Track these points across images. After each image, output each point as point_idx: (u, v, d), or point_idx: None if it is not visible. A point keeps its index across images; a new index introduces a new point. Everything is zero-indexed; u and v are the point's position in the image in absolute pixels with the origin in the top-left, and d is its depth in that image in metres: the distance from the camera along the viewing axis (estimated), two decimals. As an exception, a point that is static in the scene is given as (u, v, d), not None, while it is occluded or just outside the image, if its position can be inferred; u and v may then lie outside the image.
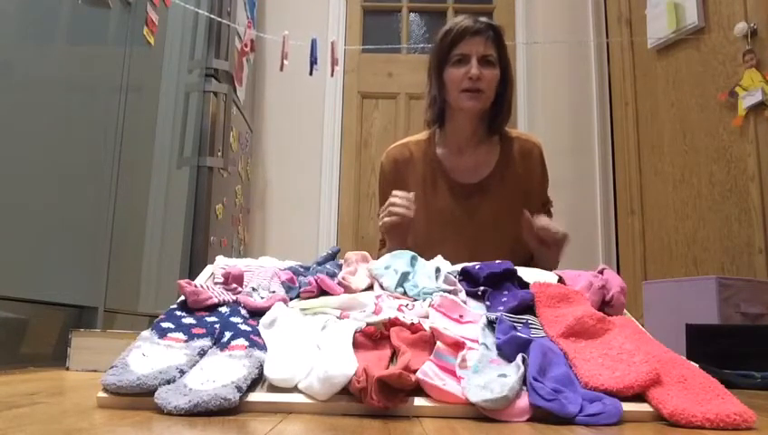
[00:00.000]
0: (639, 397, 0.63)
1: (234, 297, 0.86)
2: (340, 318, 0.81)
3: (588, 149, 3.01)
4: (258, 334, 0.74)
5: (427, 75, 1.47)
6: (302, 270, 1.01)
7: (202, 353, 0.69)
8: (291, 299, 0.90)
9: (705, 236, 2.25)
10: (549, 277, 0.95)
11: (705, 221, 2.25)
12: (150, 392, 0.59)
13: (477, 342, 0.74)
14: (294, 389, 0.63)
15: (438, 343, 0.70)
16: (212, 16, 2.12)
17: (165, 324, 0.74)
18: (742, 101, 2.10)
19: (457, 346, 0.70)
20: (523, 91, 3.02)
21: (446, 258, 1.05)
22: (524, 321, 0.79)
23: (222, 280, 0.91)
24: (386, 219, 1.31)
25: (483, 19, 1.41)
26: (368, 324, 0.75)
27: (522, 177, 1.45)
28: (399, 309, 0.83)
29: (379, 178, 1.53)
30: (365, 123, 3.08)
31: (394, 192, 1.33)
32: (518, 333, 0.73)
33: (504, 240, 1.41)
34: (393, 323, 0.74)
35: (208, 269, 0.99)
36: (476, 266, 0.96)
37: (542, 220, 1.32)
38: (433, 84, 1.44)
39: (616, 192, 2.87)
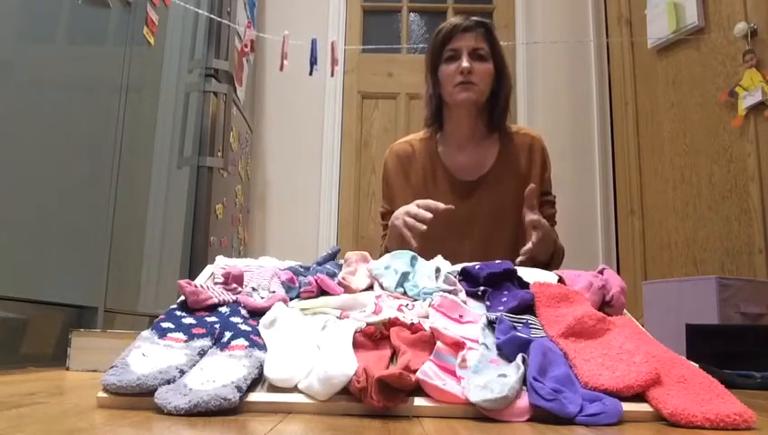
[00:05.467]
0: (639, 397, 0.63)
1: (234, 297, 0.86)
2: (340, 318, 0.81)
3: (588, 149, 3.01)
4: (258, 334, 0.74)
5: (424, 77, 1.48)
6: (302, 270, 1.01)
7: (202, 353, 0.69)
8: (291, 299, 0.89)
9: (705, 236, 2.25)
10: (549, 277, 0.95)
11: (705, 221, 2.25)
12: (150, 392, 0.59)
13: (477, 342, 0.74)
14: (294, 389, 0.63)
15: (438, 343, 0.70)
16: (212, 16, 2.12)
17: (165, 324, 0.74)
18: (742, 101, 2.10)
19: (457, 346, 0.70)
20: (523, 91, 3.02)
21: (446, 255, 1.05)
22: (524, 321, 0.79)
23: (222, 280, 0.91)
24: (404, 230, 1.27)
25: (474, 17, 1.43)
26: (368, 324, 0.75)
27: (522, 171, 1.45)
28: (399, 309, 0.83)
29: (382, 173, 1.54)
30: (365, 123, 3.08)
31: (419, 202, 1.28)
32: (518, 333, 0.73)
33: (506, 237, 1.41)
34: (393, 323, 0.74)
35: (208, 269, 0.99)
36: (476, 266, 0.96)
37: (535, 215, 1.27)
38: (429, 83, 1.46)
39: (616, 192, 2.86)
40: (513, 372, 0.64)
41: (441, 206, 1.26)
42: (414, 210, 1.27)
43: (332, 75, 2.32)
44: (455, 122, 1.45)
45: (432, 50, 1.44)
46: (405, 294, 0.92)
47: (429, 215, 1.25)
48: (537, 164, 1.46)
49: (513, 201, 1.42)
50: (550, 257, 1.38)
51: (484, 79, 1.40)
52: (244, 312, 0.82)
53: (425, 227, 1.25)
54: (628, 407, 0.61)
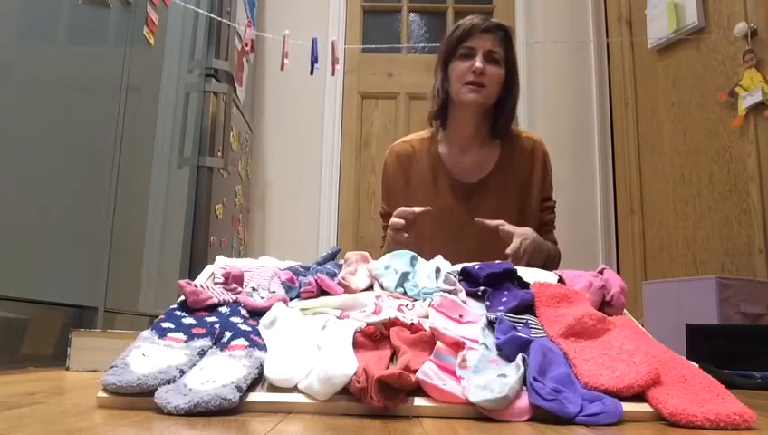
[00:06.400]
0: (639, 397, 0.63)
1: (234, 297, 0.86)
2: (340, 318, 0.81)
3: (588, 149, 3.01)
4: (258, 334, 0.74)
5: (434, 70, 1.47)
6: (302, 270, 1.01)
7: (202, 353, 0.69)
8: (291, 299, 0.90)
9: (705, 236, 2.25)
10: (549, 277, 0.95)
11: (705, 221, 2.25)
12: (150, 392, 0.59)
13: (477, 342, 0.74)
14: (294, 389, 0.63)
15: (438, 343, 0.70)
16: (212, 16, 2.12)
17: (165, 324, 0.74)
18: (742, 101, 2.10)
19: (457, 346, 0.70)
20: (523, 91, 3.02)
21: (447, 256, 1.05)
22: (524, 321, 0.79)
23: (222, 280, 0.91)
24: (393, 236, 1.32)
25: (494, 20, 1.42)
26: (368, 324, 0.75)
27: (523, 175, 1.45)
28: (399, 309, 0.83)
29: (382, 173, 1.54)
30: (365, 123, 3.08)
31: (398, 211, 1.32)
32: (518, 333, 0.73)
33: (505, 239, 1.41)
34: (393, 323, 0.74)
35: (208, 269, 0.99)
36: (476, 266, 0.96)
37: (506, 227, 1.30)
38: (438, 77, 1.45)
39: (616, 192, 2.86)
40: (513, 372, 0.64)
41: (417, 210, 1.29)
42: (393, 221, 1.32)
43: (333, 74, 2.32)
44: (458, 122, 1.45)
45: (447, 44, 1.42)
46: (405, 294, 0.92)
47: (402, 222, 1.29)
48: (538, 168, 1.46)
49: (513, 204, 1.42)
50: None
51: (494, 83, 1.39)
52: (244, 312, 0.82)
53: (407, 235, 1.29)
54: (628, 407, 0.61)
